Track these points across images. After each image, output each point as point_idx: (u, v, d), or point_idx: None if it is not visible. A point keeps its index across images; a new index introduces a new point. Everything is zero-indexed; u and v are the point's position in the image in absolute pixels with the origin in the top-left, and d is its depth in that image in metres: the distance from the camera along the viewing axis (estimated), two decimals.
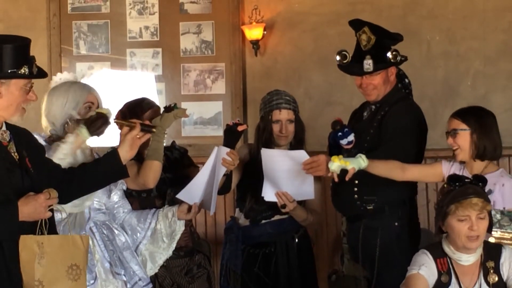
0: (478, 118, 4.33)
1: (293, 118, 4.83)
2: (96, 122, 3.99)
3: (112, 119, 4.12)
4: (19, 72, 3.57)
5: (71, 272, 3.57)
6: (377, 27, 4.76)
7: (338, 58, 4.79)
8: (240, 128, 4.52)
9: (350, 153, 4.68)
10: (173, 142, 4.81)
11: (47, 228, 3.54)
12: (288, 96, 4.87)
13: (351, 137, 4.68)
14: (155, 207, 4.42)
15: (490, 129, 4.34)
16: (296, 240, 4.89)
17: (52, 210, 3.57)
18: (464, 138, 4.31)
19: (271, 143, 4.80)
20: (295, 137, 4.85)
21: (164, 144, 4.46)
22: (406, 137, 4.59)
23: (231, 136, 4.52)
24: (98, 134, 4.03)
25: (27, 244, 3.48)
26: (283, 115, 4.81)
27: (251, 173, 4.76)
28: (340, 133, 4.69)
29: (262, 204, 4.79)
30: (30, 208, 3.47)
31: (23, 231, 3.49)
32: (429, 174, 4.50)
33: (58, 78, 4.36)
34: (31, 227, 3.51)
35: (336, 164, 4.26)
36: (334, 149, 4.84)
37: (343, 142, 4.68)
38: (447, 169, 4.41)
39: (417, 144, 4.64)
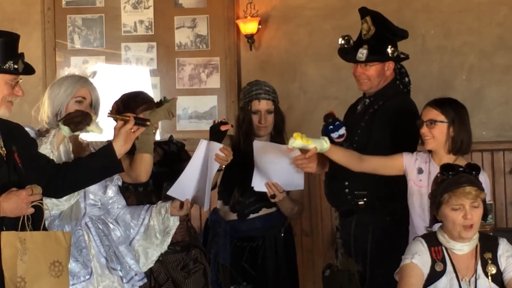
0: (456, 111, 4.31)
1: (272, 108, 4.84)
2: (74, 118, 3.97)
3: (106, 114, 4.13)
4: (3, 67, 3.57)
5: (53, 269, 3.56)
6: (381, 19, 4.75)
7: (341, 41, 4.79)
8: (223, 128, 4.50)
9: (341, 147, 4.69)
10: (171, 136, 4.79)
11: (30, 224, 3.53)
12: (267, 87, 4.87)
13: (342, 131, 4.68)
14: (152, 202, 4.42)
15: (466, 122, 4.33)
16: (282, 234, 4.91)
17: (38, 207, 3.56)
18: (441, 130, 4.29)
19: (251, 134, 4.80)
20: (274, 127, 4.86)
21: (159, 139, 4.45)
22: (397, 135, 4.58)
23: (215, 135, 4.51)
24: (78, 130, 3.99)
25: (9, 240, 3.46)
26: (262, 105, 4.81)
27: (235, 165, 4.74)
28: (331, 126, 4.69)
29: (248, 197, 4.80)
30: (12, 204, 3.47)
31: (6, 226, 3.48)
32: (387, 166, 4.43)
33: (66, 73, 4.37)
34: (14, 223, 3.50)
35: (298, 142, 4.20)
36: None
37: (334, 135, 4.69)
38: (409, 162, 4.39)
39: (409, 141, 4.62)
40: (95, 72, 4.40)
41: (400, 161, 4.41)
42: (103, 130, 4.04)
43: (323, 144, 4.26)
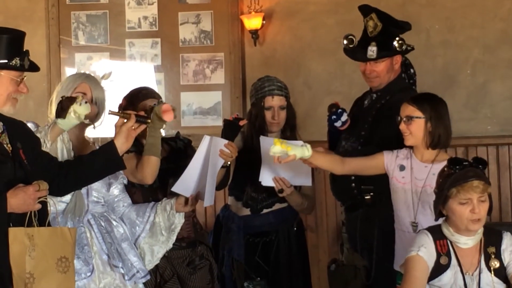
0: (433, 106, 4.30)
1: (285, 104, 4.84)
2: (59, 105, 3.92)
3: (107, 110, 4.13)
4: (10, 63, 3.57)
5: (60, 264, 3.58)
6: (385, 14, 4.75)
7: (345, 42, 4.79)
8: (241, 123, 4.53)
9: (348, 133, 4.69)
10: (178, 132, 4.80)
11: (36, 220, 3.54)
12: (280, 83, 4.87)
13: (344, 117, 4.71)
14: (157, 198, 4.42)
15: (444, 117, 4.32)
16: (295, 228, 4.92)
17: (44, 202, 3.57)
18: (418, 126, 4.28)
19: (264, 130, 4.80)
20: (287, 123, 4.86)
21: (164, 135, 4.45)
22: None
23: (230, 130, 4.51)
24: (67, 114, 3.87)
25: (18, 236, 3.48)
26: (276, 101, 4.82)
27: (247, 161, 4.75)
28: (334, 116, 4.73)
29: (261, 193, 4.80)
30: (19, 200, 3.48)
31: (13, 222, 3.49)
32: (369, 166, 4.42)
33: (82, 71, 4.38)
34: (21, 219, 3.51)
35: (278, 147, 4.14)
36: (334, 135, 4.87)
37: (338, 124, 4.73)
38: (390, 160, 4.38)
39: None
40: (111, 72, 4.38)
41: (381, 160, 4.40)
42: (87, 109, 3.91)
43: (304, 152, 4.19)
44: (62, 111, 3.90)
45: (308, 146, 4.22)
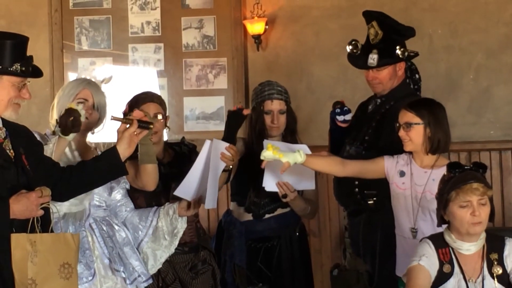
0: (431, 111, 4.29)
1: (284, 108, 4.84)
2: (65, 121, 3.96)
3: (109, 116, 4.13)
4: (10, 69, 3.57)
5: (63, 271, 3.58)
6: (387, 21, 4.74)
7: (349, 47, 4.79)
8: (245, 112, 4.54)
9: (352, 138, 4.68)
10: (183, 138, 4.81)
11: (39, 226, 3.54)
12: (279, 87, 4.88)
13: (349, 117, 4.74)
14: (160, 202, 4.43)
15: (442, 121, 4.31)
16: (297, 233, 4.92)
17: (46, 208, 3.57)
18: (418, 132, 4.27)
19: (264, 135, 4.80)
20: (287, 127, 4.86)
21: (167, 139, 4.45)
22: None
23: (235, 120, 4.52)
24: (73, 132, 3.99)
25: (20, 242, 3.48)
26: (275, 105, 4.82)
27: (248, 166, 4.75)
28: (338, 110, 4.74)
29: (263, 198, 4.80)
30: (22, 206, 3.48)
31: (15, 228, 3.50)
32: (369, 169, 4.40)
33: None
34: (23, 225, 3.52)
35: (269, 153, 4.13)
36: (334, 133, 4.87)
37: (339, 118, 4.74)
38: (390, 165, 4.37)
39: None
40: (111, 77, 4.39)
41: (381, 164, 4.39)
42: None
43: (297, 158, 4.17)
44: (73, 126, 3.96)
45: (301, 151, 4.20)
